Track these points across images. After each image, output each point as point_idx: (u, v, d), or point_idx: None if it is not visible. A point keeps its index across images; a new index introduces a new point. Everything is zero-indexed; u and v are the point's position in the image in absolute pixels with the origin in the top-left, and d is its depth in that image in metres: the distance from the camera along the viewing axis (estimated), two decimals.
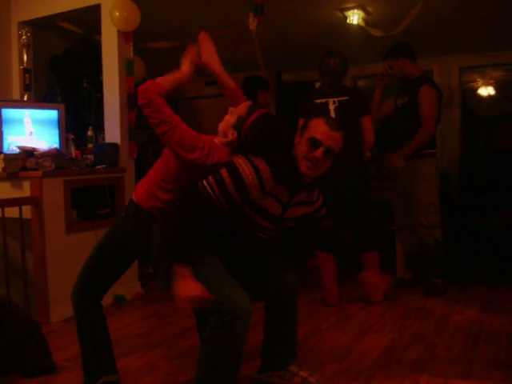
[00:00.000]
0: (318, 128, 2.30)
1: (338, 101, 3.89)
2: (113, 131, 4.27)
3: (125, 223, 2.45)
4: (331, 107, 3.89)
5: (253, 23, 4.10)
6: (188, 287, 2.03)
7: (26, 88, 4.52)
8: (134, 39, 4.38)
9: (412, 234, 4.40)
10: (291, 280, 2.54)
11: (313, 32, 5.20)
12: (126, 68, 4.33)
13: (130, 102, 4.30)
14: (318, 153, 2.25)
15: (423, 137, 4.09)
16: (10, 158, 3.71)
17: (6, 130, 4.06)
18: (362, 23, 4.65)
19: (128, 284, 4.11)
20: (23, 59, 4.51)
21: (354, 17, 4.65)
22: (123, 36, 4.31)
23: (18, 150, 3.84)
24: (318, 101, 3.94)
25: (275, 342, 2.60)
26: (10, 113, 4.11)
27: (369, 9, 4.59)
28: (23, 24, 4.76)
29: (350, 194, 3.90)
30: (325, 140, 2.27)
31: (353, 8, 4.59)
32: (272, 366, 2.62)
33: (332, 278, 4.01)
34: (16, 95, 4.75)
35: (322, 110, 3.84)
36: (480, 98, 7.88)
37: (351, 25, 4.75)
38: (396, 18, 4.30)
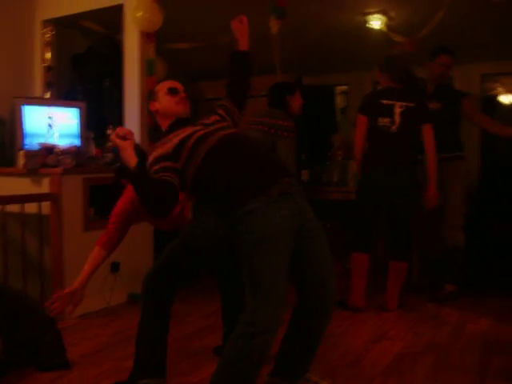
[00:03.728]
0: None
1: (405, 106, 3.88)
2: (132, 130, 4.29)
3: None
4: (397, 111, 3.87)
5: (274, 26, 4.11)
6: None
7: (48, 86, 4.58)
8: (157, 40, 4.41)
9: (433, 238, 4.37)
10: (332, 294, 2.41)
11: (334, 36, 5.20)
12: (148, 68, 4.36)
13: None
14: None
15: None
16: (30, 155, 3.75)
17: (27, 127, 4.11)
18: (385, 28, 4.64)
19: None
20: (46, 57, 4.57)
21: (376, 22, 4.65)
22: (145, 36, 4.35)
23: (38, 147, 3.88)
24: (385, 102, 3.91)
25: (297, 355, 2.52)
26: (31, 110, 4.17)
27: (391, 14, 4.58)
28: (47, 22, 4.82)
29: (403, 199, 3.89)
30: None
31: (375, 13, 4.58)
32: (287, 376, 2.56)
33: (363, 282, 3.98)
34: (38, 93, 4.81)
35: (388, 112, 3.88)
36: (501, 105, 7.81)
37: (373, 29, 4.74)
38: (418, 23, 4.29)
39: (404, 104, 3.87)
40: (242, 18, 2.85)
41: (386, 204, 3.91)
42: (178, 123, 2.48)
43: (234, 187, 2.20)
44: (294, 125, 3.85)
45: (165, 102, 2.54)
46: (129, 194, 2.70)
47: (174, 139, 2.34)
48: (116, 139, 2.30)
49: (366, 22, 4.70)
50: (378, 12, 4.57)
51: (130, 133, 2.35)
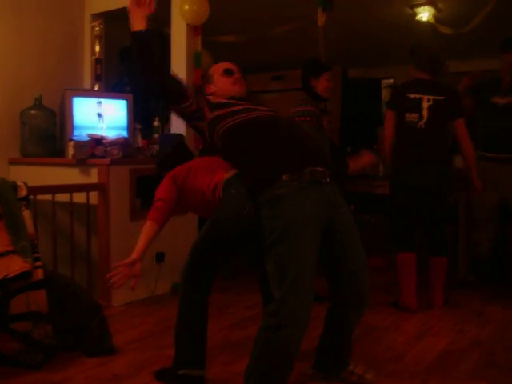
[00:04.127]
0: None
1: (434, 99, 3.67)
2: (178, 122, 4.34)
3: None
4: (425, 105, 3.67)
5: (321, 18, 4.08)
6: None
7: (97, 78, 4.67)
8: (203, 32, 4.44)
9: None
10: (367, 293, 2.40)
11: (381, 28, 5.14)
12: (194, 60, 4.40)
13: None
14: None
15: None
16: (79, 145, 3.83)
17: (76, 118, 4.21)
18: (433, 20, 4.56)
19: None
20: (95, 50, 4.66)
21: (425, 13, 4.58)
22: (192, 29, 4.39)
23: (87, 138, 3.97)
24: (412, 96, 3.71)
25: (333, 350, 2.56)
26: (81, 101, 4.26)
27: (440, 5, 4.50)
28: (96, 16, 4.90)
29: (436, 194, 3.75)
30: None
31: (423, 4, 4.51)
32: (328, 370, 2.59)
33: (412, 282, 3.80)
34: (87, 85, 4.91)
35: (415, 107, 3.70)
36: None
37: (420, 22, 4.67)
38: (467, 15, 4.20)
39: (432, 97, 3.67)
40: None
41: (420, 202, 3.75)
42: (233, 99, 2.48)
43: (267, 161, 2.19)
44: (315, 110, 3.66)
45: (221, 83, 2.56)
46: (168, 177, 2.66)
47: (222, 99, 2.43)
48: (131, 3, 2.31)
49: (414, 13, 4.63)
50: (426, 3, 4.50)
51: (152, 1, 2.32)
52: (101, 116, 4.31)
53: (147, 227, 2.62)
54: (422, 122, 3.67)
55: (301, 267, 2.06)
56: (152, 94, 2.93)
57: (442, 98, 3.68)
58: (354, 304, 2.39)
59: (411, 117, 3.69)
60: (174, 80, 2.38)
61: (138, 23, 2.29)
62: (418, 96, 3.69)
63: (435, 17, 4.58)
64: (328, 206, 2.17)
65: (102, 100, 4.35)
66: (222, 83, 2.55)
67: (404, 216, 3.83)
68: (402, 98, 3.76)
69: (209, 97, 2.50)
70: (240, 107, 2.36)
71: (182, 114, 2.46)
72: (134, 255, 2.53)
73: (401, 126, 3.78)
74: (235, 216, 2.35)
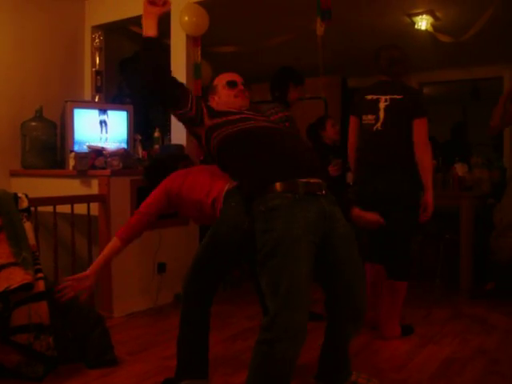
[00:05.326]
0: None
1: (391, 99, 3.37)
2: (179, 133, 4.35)
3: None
4: (381, 105, 3.39)
5: (320, 28, 4.09)
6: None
7: (98, 89, 4.68)
8: (202, 43, 4.46)
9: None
10: (364, 307, 2.35)
11: (380, 37, 5.12)
12: (194, 71, 4.41)
13: None
14: None
15: None
16: (80, 157, 3.84)
17: (77, 130, 4.22)
18: (431, 29, 4.58)
19: None
20: (96, 62, 4.68)
21: (423, 22, 4.60)
22: (191, 40, 4.41)
23: (87, 149, 3.98)
24: (369, 97, 3.46)
25: (332, 361, 2.53)
26: (81, 113, 4.27)
27: (438, 14, 4.53)
28: (96, 28, 4.94)
29: (395, 207, 3.27)
30: None
31: (422, 13, 4.53)
32: (328, 380, 2.55)
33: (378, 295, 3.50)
34: (88, 96, 4.93)
35: (372, 108, 3.43)
36: None
37: (419, 30, 4.69)
38: (465, 23, 4.21)
39: (389, 97, 3.38)
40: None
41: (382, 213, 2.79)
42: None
43: (260, 167, 2.18)
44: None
45: (223, 95, 2.54)
46: (162, 185, 2.68)
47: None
48: (146, 1, 2.24)
49: (412, 22, 4.65)
50: (424, 12, 4.52)
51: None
52: (105, 124, 4.31)
53: (110, 243, 2.72)
54: (379, 124, 3.39)
55: (294, 281, 2.03)
56: (153, 98, 2.88)
57: (399, 96, 3.36)
58: (351, 318, 2.35)
59: (367, 119, 3.45)
60: (176, 83, 2.35)
61: (151, 26, 2.26)
62: (375, 97, 3.44)
63: (433, 25, 4.60)
64: (323, 220, 2.14)
65: (102, 111, 4.35)
66: (225, 95, 2.54)
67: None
68: (360, 101, 3.54)
69: (211, 104, 2.52)
70: (237, 116, 2.36)
71: (181, 119, 2.45)
72: (88, 271, 2.67)
73: (360, 130, 3.57)
74: (235, 229, 2.35)
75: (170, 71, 2.31)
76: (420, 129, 3.32)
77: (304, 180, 2.13)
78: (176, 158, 2.95)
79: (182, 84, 2.37)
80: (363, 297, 2.33)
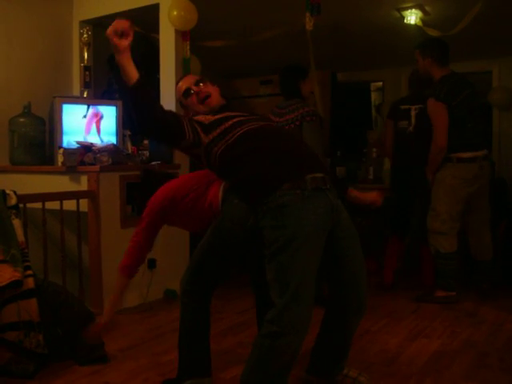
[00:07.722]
0: None
1: (419, 108, 4.28)
2: None
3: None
4: (412, 113, 4.33)
5: (309, 23, 4.09)
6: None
7: (86, 85, 4.64)
8: (191, 38, 4.44)
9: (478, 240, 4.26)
10: (366, 298, 2.39)
11: (369, 32, 5.16)
12: (183, 66, 4.40)
13: None
14: None
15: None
16: (69, 153, 3.82)
17: (65, 125, 4.19)
18: (420, 23, 4.59)
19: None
20: (84, 57, 4.64)
21: (412, 16, 4.60)
22: (180, 35, 4.39)
23: (76, 145, 3.95)
24: (403, 107, 4.40)
25: (330, 354, 2.53)
26: (70, 108, 4.24)
27: (427, 8, 4.52)
28: (84, 23, 4.90)
29: (423, 194, 4.25)
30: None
31: (411, 8, 4.53)
32: (323, 374, 2.56)
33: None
34: (76, 92, 4.90)
35: (405, 115, 4.36)
36: None
37: (408, 25, 4.69)
38: (454, 18, 4.22)
39: (417, 106, 4.30)
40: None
41: (414, 198, 4.39)
42: (219, 109, 2.42)
43: (265, 171, 2.13)
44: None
45: (190, 105, 2.49)
46: (152, 205, 2.66)
47: (211, 116, 2.31)
48: (113, 37, 1.95)
49: (401, 17, 4.65)
50: (413, 7, 4.52)
51: (130, 27, 1.95)
52: (90, 123, 4.29)
53: (117, 283, 2.80)
54: (411, 128, 4.33)
55: (303, 276, 2.05)
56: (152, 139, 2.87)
57: (421, 105, 4.24)
58: (354, 308, 2.37)
59: (402, 123, 4.37)
60: (169, 120, 2.17)
61: (131, 71, 2.06)
62: (407, 107, 4.39)
63: (423, 20, 4.60)
64: (331, 214, 2.16)
65: (91, 107, 4.32)
66: (192, 105, 2.47)
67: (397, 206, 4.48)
68: (396, 109, 4.47)
69: (196, 118, 2.34)
70: (231, 122, 2.27)
71: (186, 150, 2.37)
72: (107, 318, 2.92)
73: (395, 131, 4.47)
74: (239, 226, 2.33)
75: (162, 108, 2.14)
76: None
77: (310, 175, 2.13)
78: (164, 176, 2.94)
79: (173, 115, 2.21)
80: (365, 288, 2.37)
